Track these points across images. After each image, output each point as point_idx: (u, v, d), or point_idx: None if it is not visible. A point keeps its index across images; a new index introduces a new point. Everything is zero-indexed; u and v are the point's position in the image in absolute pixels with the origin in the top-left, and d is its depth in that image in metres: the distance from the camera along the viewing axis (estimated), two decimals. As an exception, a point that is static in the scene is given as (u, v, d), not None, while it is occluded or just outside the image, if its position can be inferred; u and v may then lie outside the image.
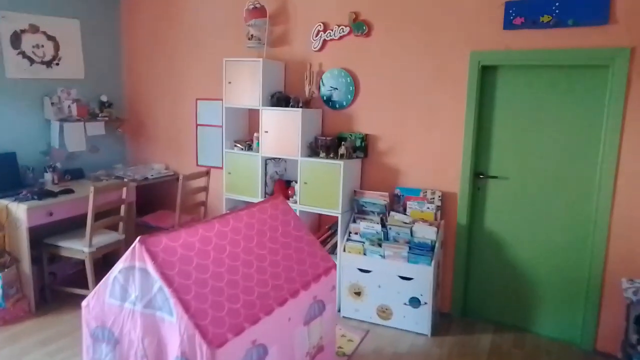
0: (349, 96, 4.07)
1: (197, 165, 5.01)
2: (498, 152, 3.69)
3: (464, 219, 3.73)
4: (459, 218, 3.75)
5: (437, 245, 3.56)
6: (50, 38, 4.58)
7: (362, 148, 4.01)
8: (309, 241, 2.83)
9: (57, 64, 4.66)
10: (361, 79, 4.02)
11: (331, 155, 3.92)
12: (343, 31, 4.00)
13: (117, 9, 5.23)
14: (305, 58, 4.24)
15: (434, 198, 3.76)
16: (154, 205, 5.07)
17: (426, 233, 3.59)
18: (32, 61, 4.44)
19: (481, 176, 3.74)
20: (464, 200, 3.71)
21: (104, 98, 5.04)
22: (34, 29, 4.44)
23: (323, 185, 3.89)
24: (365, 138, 4.01)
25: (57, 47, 4.64)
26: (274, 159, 4.26)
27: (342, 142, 3.92)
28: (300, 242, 2.78)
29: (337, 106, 4.14)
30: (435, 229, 3.59)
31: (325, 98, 4.18)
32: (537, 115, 3.53)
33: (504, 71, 3.60)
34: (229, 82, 4.26)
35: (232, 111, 4.37)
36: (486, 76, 3.64)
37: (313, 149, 4.00)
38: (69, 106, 4.72)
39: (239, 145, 4.38)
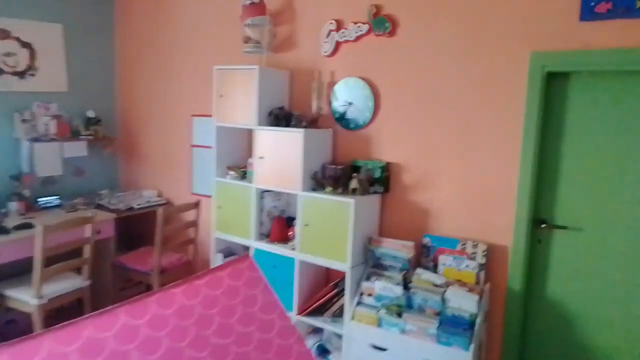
0: (367, 113, 3.16)
1: (192, 193, 4.23)
2: (568, 192, 2.65)
3: (518, 283, 2.70)
4: (510, 282, 2.73)
5: (478, 320, 2.55)
6: (25, 45, 3.96)
7: (382, 181, 3.08)
8: (282, 330, 1.92)
9: (33, 75, 4.03)
10: (383, 91, 3.10)
11: (340, 190, 3.01)
12: (360, 30, 3.11)
13: (110, 11, 4.59)
14: (313, 65, 3.37)
15: (476, 253, 2.76)
16: (142, 240, 4.33)
17: (464, 302, 2.59)
18: (0, 71, 3.82)
19: (543, 225, 2.71)
20: (518, 258, 2.69)
21: (90, 114, 4.38)
22: (4, 34, 3.82)
23: (328, 229, 2.98)
24: (386, 168, 3.08)
25: (33, 56, 4.01)
26: (271, 191, 3.39)
27: (354, 174, 3.00)
28: (268, 332, 1.88)
29: (352, 126, 3.24)
30: (477, 296, 2.59)
31: (337, 115, 3.29)
32: (628, 142, 2.48)
33: (580, 80, 2.58)
34: (220, 96, 3.45)
35: (225, 131, 3.56)
36: (553, 87, 2.64)
37: (318, 181, 3.11)
38: (46, 123, 4.07)
39: (232, 172, 3.55)
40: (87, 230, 3.37)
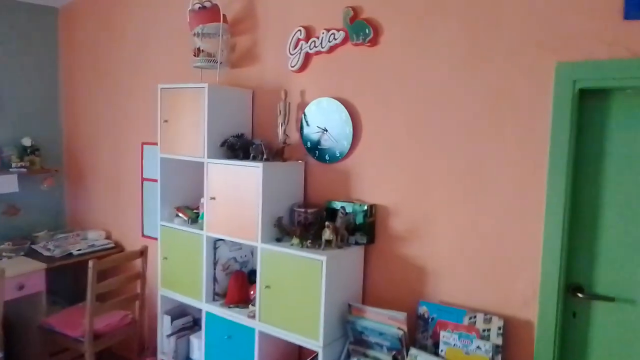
0: (345, 142, 2.49)
1: (143, 235, 3.54)
2: (613, 249, 1.97)
3: (548, 372, 2.00)
4: (537, 370, 2.02)
5: None
6: (-60, 61, 3.32)
7: (365, 228, 2.39)
8: None
9: (-50, 97, 3.38)
10: (364, 114, 2.45)
11: (309, 242, 2.32)
12: (335, 38, 2.47)
13: (53, 23, 3.96)
14: (279, 82, 2.72)
15: (489, 329, 2.06)
16: (83, 293, 3.62)
17: (475, 402, 1.89)
18: None
19: (580, 294, 2.02)
20: (547, 337, 2.00)
21: (26, 142, 3.72)
22: None
23: (295, 293, 2.29)
24: (371, 212, 2.40)
25: (-49, 74, 3.37)
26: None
27: (327, 222, 2.31)
28: None
29: (328, 158, 2.57)
30: (493, 394, 1.89)
31: (309, 145, 2.63)
32: (696, 183, 1.82)
33: (626, 98, 1.93)
34: (165, 121, 2.80)
35: (173, 163, 2.89)
36: (589, 108, 1.98)
37: (283, 229, 2.42)
38: (-33, 154, 3.40)
39: (181, 214, 2.87)
40: (-5, 291, 2.68)
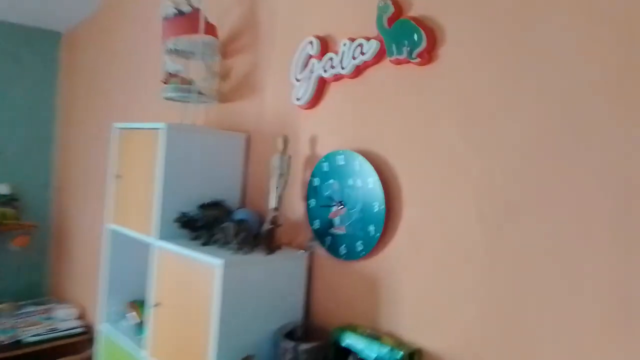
0: (372, 228, 1.43)
1: (113, 324, 2.63)
2: None
3: None
4: None
5: None
6: None
7: (398, 391, 1.28)
8: None
9: None
10: (406, 181, 1.39)
11: (289, 417, 1.25)
12: (362, 52, 1.47)
13: (55, 47, 3.38)
14: (282, 124, 1.76)
15: None
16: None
17: None
18: None
19: None
20: None
21: (3, 189, 3.06)
22: None
23: None
24: (410, 360, 1.29)
25: None
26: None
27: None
28: None
29: (344, 252, 1.51)
30: None
31: (318, 225, 1.60)
32: None
33: None
34: (118, 176, 1.92)
35: (125, 239, 1.98)
36: None
37: (255, 376, 1.38)
38: None
39: (135, 313, 1.93)
40: None
